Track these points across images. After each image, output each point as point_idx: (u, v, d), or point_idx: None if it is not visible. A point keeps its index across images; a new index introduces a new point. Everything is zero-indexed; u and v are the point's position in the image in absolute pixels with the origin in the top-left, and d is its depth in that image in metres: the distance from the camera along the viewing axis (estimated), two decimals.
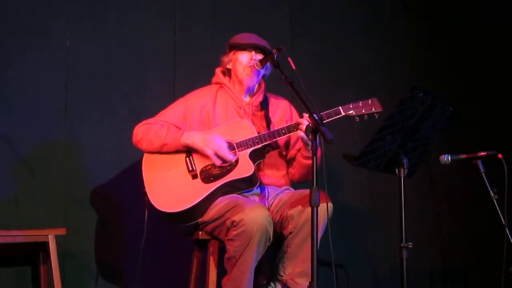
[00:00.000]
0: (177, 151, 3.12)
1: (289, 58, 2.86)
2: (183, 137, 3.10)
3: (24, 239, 3.11)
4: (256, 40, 3.23)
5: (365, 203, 4.39)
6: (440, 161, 3.16)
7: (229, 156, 3.08)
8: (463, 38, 4.75)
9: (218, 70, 3.34)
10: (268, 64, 3.17)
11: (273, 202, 3.14)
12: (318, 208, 2.55)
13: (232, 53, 3.26)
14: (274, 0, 4.32)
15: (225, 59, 3.30)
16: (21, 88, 3.54)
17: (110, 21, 3.80)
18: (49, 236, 3.12)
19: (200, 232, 3.09)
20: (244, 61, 3.21)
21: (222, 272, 3.01)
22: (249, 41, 3.22)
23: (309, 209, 2.57)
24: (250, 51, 3.21)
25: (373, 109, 3.09)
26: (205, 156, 3.08)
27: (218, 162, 3.07)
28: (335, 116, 3.08)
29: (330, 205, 2.93)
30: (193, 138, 3.10)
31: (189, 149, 3.12)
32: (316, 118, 2.65)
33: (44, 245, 3.14)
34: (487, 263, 3.89)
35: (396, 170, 2.83)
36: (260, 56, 3.19)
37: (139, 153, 3.22)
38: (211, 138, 3.09)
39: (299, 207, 2.96)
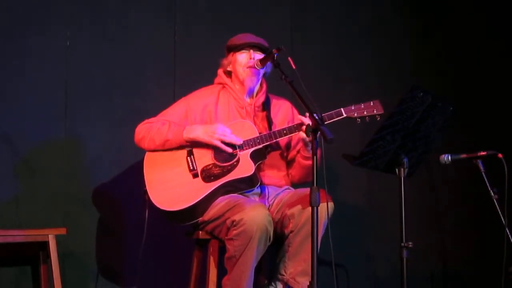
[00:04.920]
0: (179, 149, 3.12)
1: (289, 58, 2.85)
2: (185, 132, 3.09)
3: (24, 239, 3.11)
4: (253, 39, 3.24)
5: (365, 203, 4.39)
6: (440, 161, 3.16)
7: (237, 140, 3.07)
8: (463, 38, 4.75)
9: (220, 71, 3.33)
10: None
11: (273, 202, 3.14)
12: (319, 207, 2.55)
13: (230, 55, 3.27)
14: (274, 0, 4.32)
15: (225, 61, 3.30)
16: (21, 88, 3.53)
17: (110, 21, 3.80)
18: (49, 236, 3.11)
19: (200, 232, 3.09)
20: (243, 61, 3.21)
21: (222, 272, 3.01)
22: (245, 41, 3.22)
23: (310, 208, 2.56)
24: (248, 50, 3.21)
25: (375, 111, 3.09)
26: (212, 148, 3.07)
27: (228, 150, 3.07)
28: (337, 117, 3.09)
29: (331, 204, 2.93)
30: (196, 132, 3.09)
31: (193, 144, 3.11)
32: (317, 117, 2.65)
33: (44, 245, 3.14)
34: (487, 263, 3.89)
35: (396, 170, 2.83)
36: (258, 55, 3.19)
37: (139, 153, 3.22)
38: (214, 128, 3.08)
39: (300, 206, 2.96)
